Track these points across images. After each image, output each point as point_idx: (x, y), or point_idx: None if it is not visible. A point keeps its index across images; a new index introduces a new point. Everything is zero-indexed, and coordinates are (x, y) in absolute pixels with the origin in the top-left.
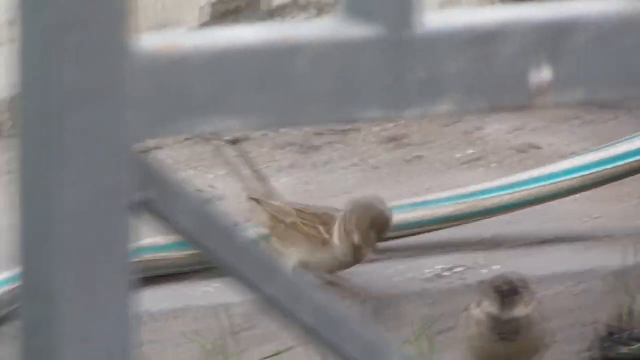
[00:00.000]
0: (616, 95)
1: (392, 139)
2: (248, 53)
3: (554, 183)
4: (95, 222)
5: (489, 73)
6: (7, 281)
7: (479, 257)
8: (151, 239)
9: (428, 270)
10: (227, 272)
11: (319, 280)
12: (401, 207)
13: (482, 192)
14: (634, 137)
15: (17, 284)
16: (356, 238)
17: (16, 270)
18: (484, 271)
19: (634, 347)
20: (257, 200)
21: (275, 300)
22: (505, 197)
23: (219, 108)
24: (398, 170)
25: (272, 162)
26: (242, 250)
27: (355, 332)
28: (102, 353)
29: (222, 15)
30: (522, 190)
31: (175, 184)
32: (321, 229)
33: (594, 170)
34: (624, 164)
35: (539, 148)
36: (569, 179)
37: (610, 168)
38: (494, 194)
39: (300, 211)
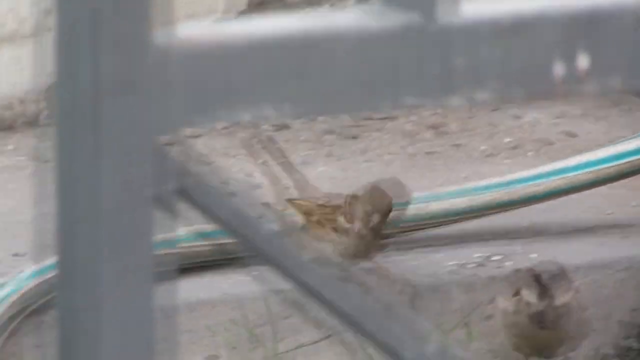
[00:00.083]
0: None
1: (431, 128)
2: (286, 41)
3: (592, 171)
4: (131, 210)
5: (527, 61)
6: (44, 270)
7: (517, 245)
8: (188, 228)
9: (465, 259)
10: (264, 261)
11: (357, 269)
12: (439, 196)
13: (520, 181)
14: None
15: (53, 273)
16: (357, 225)
17: (52, 259)
18: (522, 260)
19: None
20: (287, 200)
21: (313, 288)
22: (543, 185)
23: (257, 97)
24: (436, 158)
25: (311, 150)
26: (278, 239)
27: (392, 321)
28: (139, 341)
29: (259, 3)
30: (560, 179)
31: (211, 173)
32: (341, 219)
33: (632, 159)
34: None
35: (576, 136)
36: (606, 167)
37: None
38: (531, 183)
39: (322, 205)
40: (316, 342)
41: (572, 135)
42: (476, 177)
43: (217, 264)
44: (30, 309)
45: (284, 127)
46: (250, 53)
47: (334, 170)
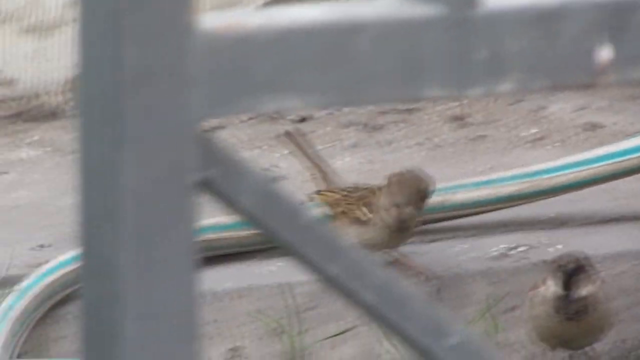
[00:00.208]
0: None
1: (456, 118)
2: (311, 32)
3: (617, 162)
4: (156, 201)
5: (552, 52)
6: (69, 261)
7: (543, 236)
8: (214, 219)
9: (491, 250)
10: (290, 252)
11: (383, 260)
12: (464, 186)
13: (546, 171)
14: None
15: (78, 264)
16: (396, 210)
17: (78, 251)
18: (548, 250)
19: None
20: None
21: (338, 279)
22: (569, 176)
23: (282, 87)
24: (461, 149)
25: (336, 141)
26: (304, 230)
27: (418, 311)
28: (165, 332)
29: None
30: (586, 169)
31: (237, 163)
32: (364, 210)
33: None
34: None
35: (602, 127)
36: (632, 158)
37: None
38: (557, 173)
39: (346, 196)
40: (341, 333)
41: (596, 126)
42: (501, 167)
43: (244, 254)
44: (55, 300)
45: (308, 118)
46: (274, 44)
47: (359, 161)
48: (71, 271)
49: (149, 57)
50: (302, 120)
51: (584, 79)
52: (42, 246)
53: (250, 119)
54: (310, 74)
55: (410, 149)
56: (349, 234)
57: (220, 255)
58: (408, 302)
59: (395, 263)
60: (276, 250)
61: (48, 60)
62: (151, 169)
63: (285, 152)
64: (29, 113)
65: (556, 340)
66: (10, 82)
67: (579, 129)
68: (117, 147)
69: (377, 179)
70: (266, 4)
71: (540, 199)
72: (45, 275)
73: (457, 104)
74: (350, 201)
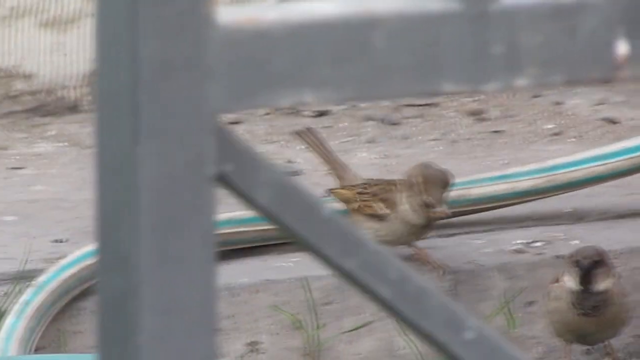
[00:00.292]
0: None
1: (473, 113)
2: (328, 26)
3: (634, 157)
4: (174, 195)
5: (569, 47)
6: (85, 256)
7: (559, 231)
8: (230, 213)
9: (508, 245)
10: (306, 246)
11: (399, 254)
12: (480, 181)
13: (562, 166)
14: None
15: (95, 259)
16: (428, 199)
17: (95, 245)
18: (564, 245)
19: None
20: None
21: (355, 274)
22: (586, 171)
23: (298, 82)
24: (478, 144)
25: (354, 136)
26: (321, 224)
27: (435, 306)
28: (182, 326)
29: None
30: (602, 164)
31: (253, 158)
32: (381, 205)
33: None
34: None
35: (619, 122)
36: None
37: None
38: (574, 168)
39: (361, 193)
40: (358, 327)
41: (613, 121)
42: (518, 162)
43: (258, 250)
44: (72, 294)
45: (324, 113)
46: (291, 38)
47: (375, 156)
48: (88, 266)
49: (166, 50)
50: (320, 115)
51: (601, 74)
52: (59, 241)
53: (267, 113)
54: (327, 68)
55: (427, 144)
56: (366, 230)
57: (237, 250)
58: (425, 296)
59: (412, 258)
60: (293, 245)
61: (66, 54)
62: (169, 163)
63: (302, 147)
64: (47, 107)
65: (573, 335)
66: (28, 76)
67: (596, 124)
68: (134, 141)
69: (394, 174)
70: None
71: (557, 194)
72: (62, 270)
73: (474, 99)
74: (365, 197)
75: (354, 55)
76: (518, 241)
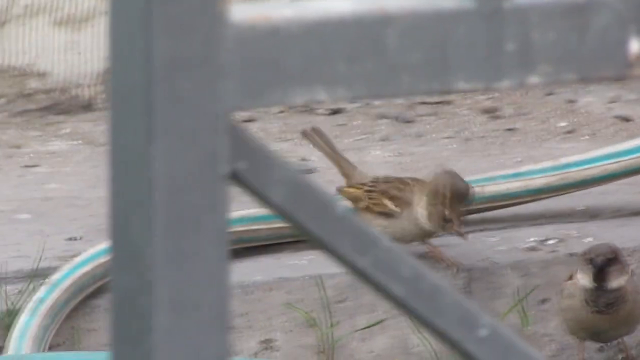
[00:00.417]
0: None
1: (486, 111)
2: (341, 24)
3: None
4: (188, 193)
5: (581, 44)
6: (99, 254)
7: (572, 229)
8: (243, 211)
9: (522, 242)
10: (320, 244)
11: (413, 252)
12: (494, 179)
13: (576, 164)
14: None
15: (108, 257)
16: (447, 213)
17: (109, 243)
18: (578, 243)
19: None
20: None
21: (369, 272)
22: (598, 168)
23: (312, 80)
24: (492, 142)
25: (367, 134)
26: (334, 222)
27: (449, 304)
28: (196, 324)
29: None
30: (616, 162)
31: (267, 155)
32: (390, 202)
33: None
34: None
35: (630, 120)
36: None
37: None
38: (587, 166)
39: (369, 191)
40: (372, 325)
41: (626, 119)
42: (531, 160)
43: (272, 248)
44: (86, 292)
45: (338, 111)
46: (304, 36)
47: (389, 154)
48: (102, 264)
49: (180, 48)
50: (334, 113)
51: (614, 72)
52: (73, 239)
53: (281, 111)
54: (340, 66)
55: (441, 142)
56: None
57: (251, 247)
58: (438, 294)
59: (425, 255)
60: (306, 243)
61: (80, 52)
62: (182, 161)
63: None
64: (61, 106)
65: (586, 332)
66: (42, 75)
67: (609, 121)
68: (148, 139)
69: (407, 172)
70: None
71: (570, 192)
72: (76, 267)
73: (487, 96)
74: (373, 195)
75: (367, 53)
76: (532, 239)
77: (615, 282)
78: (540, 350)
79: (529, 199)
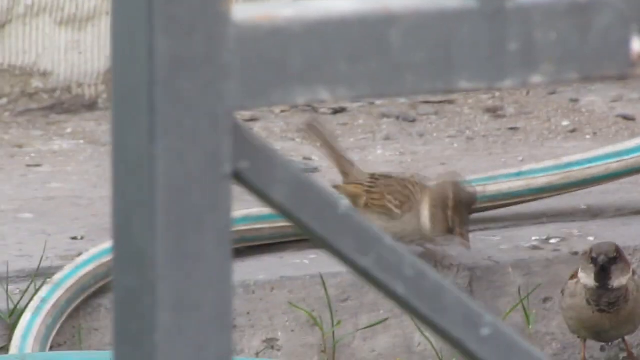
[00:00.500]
0: None
1: (489, 110)
2: (343, 23)
3: None
4: (190, 192)
5: (584, 44)
6: (102, 254)
7: (574, 228)
8: (247, 210)
9: (524, 241)
10: (322, 244)
11: (413, 252)
12: (496, 178)
13: (578, 163)
14: None
15: (110, 257)
16: (451, 220)
17: (111, 243)
18: (580, 242)
19: None
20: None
21: (371, 271)
22: (601, 168)
23: (314, 79)
24: (494, 141)
25: (369, 133)
26: (337, 221)
27: (451, 303)
28: (198, 323)
29: None
30: (618, 161)
31: (269, 155)
32: (389, 203)
33: None
34: None
35: (633, 119)
36: None
37: None
38: (589, 165)
39: (369, 191)
40: (373, 325)
41: (629, 118)
42: (534, 159)
43: (274, 247)
44: (89, 292)
45: (341, 110)
46: (306, 35)
47: (391, 153)
48: (105, 263)
49: (182, 48)
50: (336, 112)
51: (616, 71)
52: (75, 238)
53: (283, 111)
54: (343, 65)
55: (443, 141)
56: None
57: (253, 247)
58: (441, 293)
59: (426, 255)
60: (309, 242)
61: (83, 52)
62: (185, 160)
63: (318, 144)
64: (64, 105)
65: (589, 332)
66: (45, 74)
67: (612, 121)
68: (150, 139)
69: (410, 171)
70: None
71: (572, 191)
72: (79, 267)
73: (490, 96)
74: (374, 191)
75: (370, 52)
76: (534, 238)
77: (617, 281)
78: (543, 349)
79: (531, 198)
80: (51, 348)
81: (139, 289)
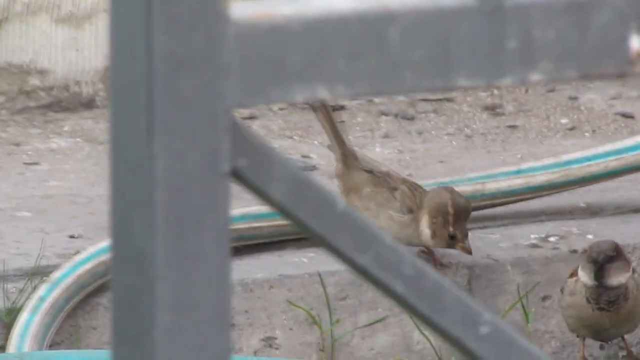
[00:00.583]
0: None
1: (488, 108)
2: (342, 21)
3: None
4: (189, 190)
5: (583, 41)
6: (100, 252)
7: (574, 226)
8: (245, 208)
9: (523, 239)
10: (321, 242)
11: (412, 250)
12: (495, 176)
13: (577, 161)
14: None
15: (109, 255)
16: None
17: (109, 241)
18: (578, 240)
19: None
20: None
21: (370, 269)
22: (600, 165)
23: (313, 77)
24: (493, 139)
25: (368, 131)
26: (335, 220)
27: (450, 301)
28: (197, 322)
29: None
30: (617, 159)
31: (267, 153)
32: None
33: None
34: None
35: (633, 117)
36: None
37: None
38: (588, 163)
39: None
40: (372, 323)
41: (627, 116)
42: (532, 157)
43: (273, 245)
44: (87, 291)
45: (339, 108)
46: (305, 33)
47: (390, 151)
48: (103, 262)
49: (181, 46)
50: (335, 110)
51: (615, 69)
52: (73, 236)
53: (282, 109)
54: (342, 63)
55: (442, 139)
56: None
57: (252, 245)
58: (439, 292)
59: (424, 253)
60: (308, 240)
61: (80, 50)
62: (183, 159)
63: (316, 142)
64: (61, 103)
65: (588, 330)
66: (42, 72)
67: (611, 118)
68: (149, 137)
69: (408, 169)
70: None
71: (570, 189)
72: (77, 266)
73: (489, 93)
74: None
75: (369, 50)
76: (532, 236)
77: (616, 279)
78: (542, 347)
79: (530, 196)
80: (50, 347)
81: (137, 287)
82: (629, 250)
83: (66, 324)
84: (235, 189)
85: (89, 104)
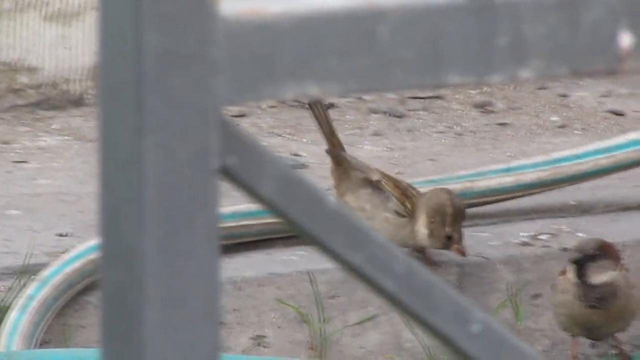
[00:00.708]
0: None
1: (478, 106)
2: (332, 19)
3: (638, 150)
4: (178, 188)
5: (573, 39)
6: (89, 250)
7: (563, 224)
8: (235, 206)
9: (513, 238)
10: (311, 240)
11: (403, 249)
12: (485, 174)
13: (567, 159)
14: None
15: (98, 253)
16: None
17: (99, 239)
18: (569, 238)
19: None
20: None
21: (361, 267)
22: (590, 163)
23: (303, 74)
24: (483, 136)
25: (358, 128)
26: (326, 218)
27: (441, 299)
28: (186, 320)
29: None
30: (608, 157)
31: (257, 150)
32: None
33: None
34: None
35: (623, 114)
36: None
37: None
38: (579, 161)
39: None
40: (363, 321)
41: (618, 113)
42: (522, 155)
43: (263, 243)
44: (76, 289)
45: (330, 106)
46: (296, 31)
47: (380, 149)
48: (92, 260)
49: (170, 43)
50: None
51: (606, 66)
52: (62, 235)
53: (272, 106)
54: (332, 61)
55: (432, 137)
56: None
57: (242, 243)
58: (430, 290)
59: (418, 252)
60: (298, 238)
61: (70, 47)
62: (173, 156)
63: (305, 140)
64: (51, 101)
65: (580, 328)
66: (32, 70)
67: (602, 116)
68: (138, 135)
69: (398, 167)
70: None
71: (561, 187)
72: (66, 264)
73: (479, 91)
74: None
75: (359, 47)
76: (523, 234)
77: (597, 278)
78: (533, 345)
79: (520, 193)
80: (39, 345)
81: (127, 285)
82: (619, 248)
83: (55, 322)
84: (225, 186)
85: (78, 101)
